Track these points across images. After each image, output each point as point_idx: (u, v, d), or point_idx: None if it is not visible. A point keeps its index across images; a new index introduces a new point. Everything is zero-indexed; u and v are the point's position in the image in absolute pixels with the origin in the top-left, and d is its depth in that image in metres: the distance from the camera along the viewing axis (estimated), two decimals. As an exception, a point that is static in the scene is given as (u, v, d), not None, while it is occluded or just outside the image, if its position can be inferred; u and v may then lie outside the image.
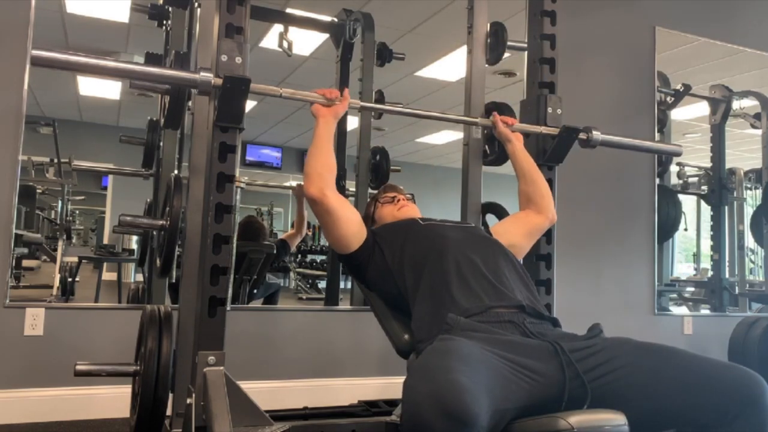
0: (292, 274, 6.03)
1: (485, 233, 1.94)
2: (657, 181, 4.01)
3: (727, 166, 4.53)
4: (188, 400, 1.70)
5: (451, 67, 4.59)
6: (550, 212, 2.00)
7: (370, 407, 2.36)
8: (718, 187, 4.48)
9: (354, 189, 3.51)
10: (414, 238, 1.79)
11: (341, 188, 3.28)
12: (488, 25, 2.38)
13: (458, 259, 1.67)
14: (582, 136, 2.10)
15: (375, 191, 3.31)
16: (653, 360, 1.37)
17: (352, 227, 1.77)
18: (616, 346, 1.43)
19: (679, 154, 2.41)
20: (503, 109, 2.33)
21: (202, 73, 1.65)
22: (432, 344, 1.39)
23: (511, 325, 1.51)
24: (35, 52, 1.51)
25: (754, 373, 1.32)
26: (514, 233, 1.95)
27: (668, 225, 4.19)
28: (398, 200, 2.04)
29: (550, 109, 2.15)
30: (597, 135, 2.10)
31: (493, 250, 1.77)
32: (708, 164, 4.56)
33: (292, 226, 4.39)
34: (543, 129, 2.12)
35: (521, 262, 1.96)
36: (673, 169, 4.50)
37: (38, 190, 4.11)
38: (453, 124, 4.43)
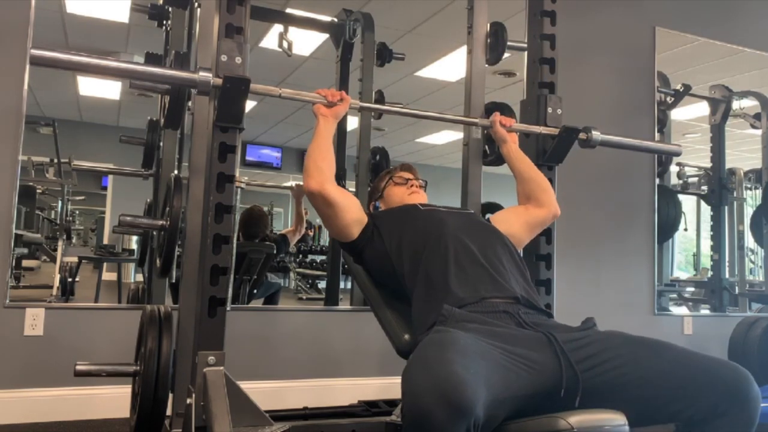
0: (292, 274, 6.03)
1: (485, 221, 1.95)
2: (657, 181, 4.01)
3: (727, 166, 4.53)
4: (188, 400, 1.70)
5: (451, 67, 4.59)
6: (553, 206, 1.99)
7: (370, 407, 2.35)
8: (718, 187, 4.48)
9: (354, 189, 3.51)
10: (413, 223, 1.80)
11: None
12: (488, 25, 2.38)
13: (456, 246, 1.67)
14: (582, 136, 2.10)
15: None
16: (645, 353, 1.38)
17: (352, 215, 1.78)
18: (608, 338, 1.44)
19: (678, 154, 2.40)
20: (503, 109, 2.33)
21: (201, 73, 1.65)
22: (428, 335, 1.41)
23: (506, 315, 1.52)
24: (34, 52, 1.51)
25: (741, 368, 1.33)
26: (513, 222, 1.95)
27: (668, 225, 4.19)
28: (411, 185, 2.05)
29: (550, 109, 2.15)
30: (597, 135, 2.09)
31: (492, 238, 1.77)
32: (708, 164, 4.56)
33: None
34: (542, 129, 2.12)
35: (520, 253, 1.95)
36: (673, 169, 4.50)
37: (38, 190, 4.11)
38: (453, 124, 4.43)
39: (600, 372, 1.36)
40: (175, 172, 3.10)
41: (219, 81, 1.65)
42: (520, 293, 1.60)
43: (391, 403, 2.31)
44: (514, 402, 1.26)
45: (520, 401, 1.27)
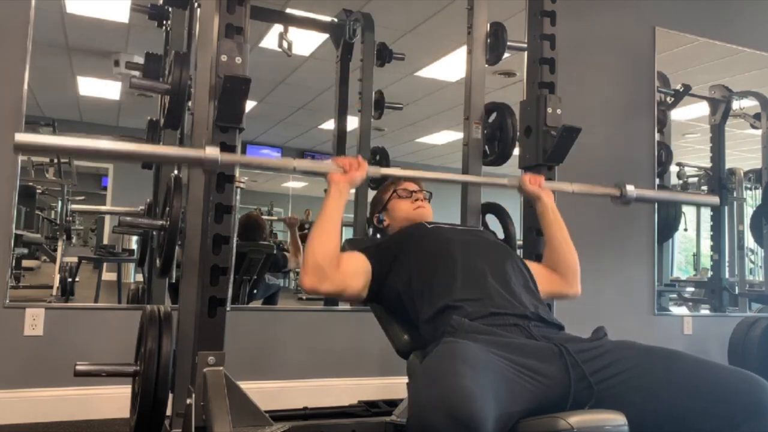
0: (292, 274, 6.03)
1: (493, 237, 1.90)
2: (657, 181, 4.01)
3: (727, 166, 4.53)
4: (188, 400, 1.71)
5: (451, 67, 4.58)
6: (574, 287, 1.88)
7: (370, 407, 2.35)
8: (718, 187, 4.48)
9: (353, 190, 3.51)
10: (420, 246, 1.75)
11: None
12: (488, 25, 2.39)
13: (464, 265, 1.65)
14: (615, 192, 2.01)
15: (375, 192, 3.33)
16: (659, 364, 1.35)
17: (354, 289, 1.71)
18: (621, 348, 1.41)
19: (716, 204, 2.34)
20: (503, 109, 2.33)
21: (208, 150, 1.55)
22: (437, 346, 1.37)
23: (517, 329, 1.50)
24: (19, 138, 1.39)
25: (759, 378, 1.30)
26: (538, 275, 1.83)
27: (668, 225, 4.20)
28: (417, 199, 1.98)
29: (549, 109, 2.15)
30: (632, 190, 2.00)
31: (501, 256, 1.74)
32: (708, 164, 4.56)
33: None
34: (574, 187, 2.01)
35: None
36: (673, 169, 4.50)
37: (38, 190, 4.10)
38: (453, 124, 4.43)
39: (613, 383, 1.34)
40: (175, 172, 3.10)
41: (227, 157, 1.60)
42: (531, 309, 1.58)
43: (391, 403, 2.30)
44: (520, 416, 1.24)
45: (525, 414, 1.25)
